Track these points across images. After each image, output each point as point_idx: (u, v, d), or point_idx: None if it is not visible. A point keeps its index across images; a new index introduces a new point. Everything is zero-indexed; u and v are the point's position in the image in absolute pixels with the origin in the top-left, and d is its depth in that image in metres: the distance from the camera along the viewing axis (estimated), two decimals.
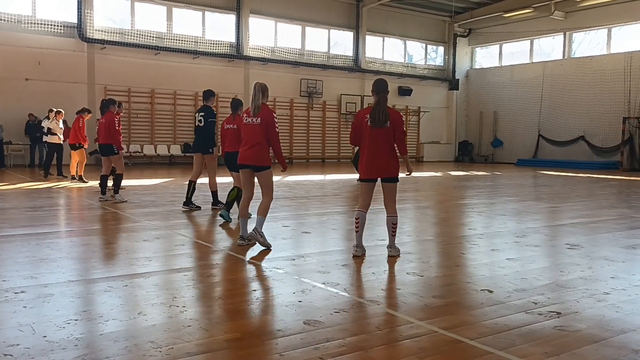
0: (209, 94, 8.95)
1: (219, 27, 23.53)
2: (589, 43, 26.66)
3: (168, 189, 12.68)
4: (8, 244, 6.11)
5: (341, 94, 26.53)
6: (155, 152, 22.00)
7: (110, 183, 10.40)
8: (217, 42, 23.30)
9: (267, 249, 5.89)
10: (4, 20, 18.79)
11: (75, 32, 20.20)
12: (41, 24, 19.37)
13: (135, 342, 3.24)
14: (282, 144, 6.42)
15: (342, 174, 18.21)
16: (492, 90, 29.89)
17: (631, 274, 5.12)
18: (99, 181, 10.56)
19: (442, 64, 30.99)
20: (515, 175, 19.87)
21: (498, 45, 30.32)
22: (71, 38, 20.21)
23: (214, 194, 9.08)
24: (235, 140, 7.33)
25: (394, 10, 27.90)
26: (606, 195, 13.07)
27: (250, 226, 6.29)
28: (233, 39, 23.72)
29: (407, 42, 29.38)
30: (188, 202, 8.97)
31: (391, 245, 5.71)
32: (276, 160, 6.33)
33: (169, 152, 22.29)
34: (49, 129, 14.28)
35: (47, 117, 14.81)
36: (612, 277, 4.97)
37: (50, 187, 12.36)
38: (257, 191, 6.35)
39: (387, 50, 28.61)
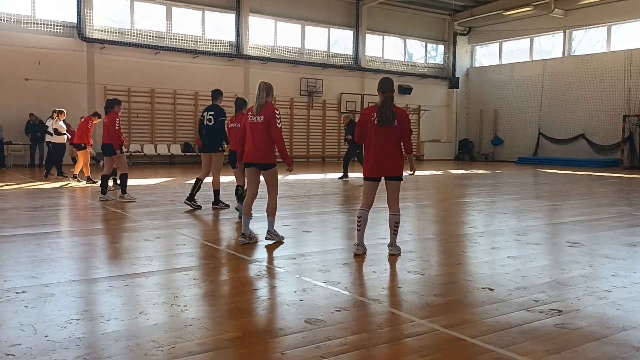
0: (217, 93, 9.00)
1: (218, 27, 23.50)
2: (589, 41, 26.62)
3: (169, 188, 12.67)
4: (9, 244, 6.12)
5: (341, 93, 26.52)
6: (156, 151, 21.99)
7: (110, 183, 10.40)
8: (217, 42, 23.28)
9: (280, 241, 6.26)
10: (4, 20, 18.76)
11: (74, 32, 20.18)
12: (41, 23, 19.35)
13: (136, 341, 3.25)
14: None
15: (341, 174, 18.13)
16: (492, 88, 29.86)
17: (632, 272, 5.12)
18: (99, 181, 10.57)
19: (442, 63, 30.96)
20: (516, 173, 19.86)
21: (498, 43, 30.30)
22: (71, 38, 20.19)
23: (216, 193, 9.09)
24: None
25: (394, 9, 27.88)
26: (606, 193, 13.06)
27: (252, 226, 6.39)
28: (233, 38, 23.70)
29: (407, 40, 29.34)
30: (191, 198, 9.02)
31: (392, 244, 5.71)
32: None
33: (169, 151, 22.29)
34: (55, 129, 14.29)
35: (52, 117, 14.81)
36: (613, 275, 4.97)
37: (50, 187, 12.36)
38: (261, 190, 6.36)
39: (387, 48, 28.57)
